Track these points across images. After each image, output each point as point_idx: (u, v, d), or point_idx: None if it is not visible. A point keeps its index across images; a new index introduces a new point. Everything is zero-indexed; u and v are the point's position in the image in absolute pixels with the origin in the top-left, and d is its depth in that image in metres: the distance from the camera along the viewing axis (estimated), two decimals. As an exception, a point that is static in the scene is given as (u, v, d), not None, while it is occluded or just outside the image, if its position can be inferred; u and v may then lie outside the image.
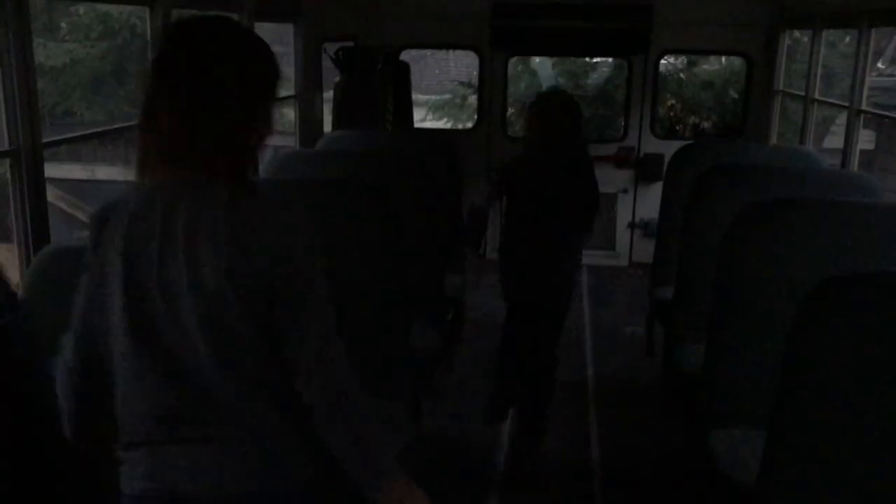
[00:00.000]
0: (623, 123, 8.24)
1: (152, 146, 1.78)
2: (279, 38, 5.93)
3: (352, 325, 2.75)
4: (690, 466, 3.97)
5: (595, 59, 10.44)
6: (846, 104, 5.69)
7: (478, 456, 4.63)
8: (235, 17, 4.90)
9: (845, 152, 5.66)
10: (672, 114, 9.81)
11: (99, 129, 7.27)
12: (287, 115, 6.71)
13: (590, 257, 7.91)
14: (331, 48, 6.49)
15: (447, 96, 13.46)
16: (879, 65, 13.64)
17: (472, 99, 11.16)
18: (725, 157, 5.13)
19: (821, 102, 6.49)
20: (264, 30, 5.25)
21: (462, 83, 12.60)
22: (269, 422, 1.84)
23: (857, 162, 5.67)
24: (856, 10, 5.46)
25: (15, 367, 2.59)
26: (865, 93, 5.63)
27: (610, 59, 10.06)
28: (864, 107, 5.60)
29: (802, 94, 6.67)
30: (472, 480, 4.37)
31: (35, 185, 2.99)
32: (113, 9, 11.82)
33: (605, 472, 4.54)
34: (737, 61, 8.49)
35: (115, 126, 4.88)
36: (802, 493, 2.41)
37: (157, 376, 1.79)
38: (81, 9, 12.53)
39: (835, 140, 6.60)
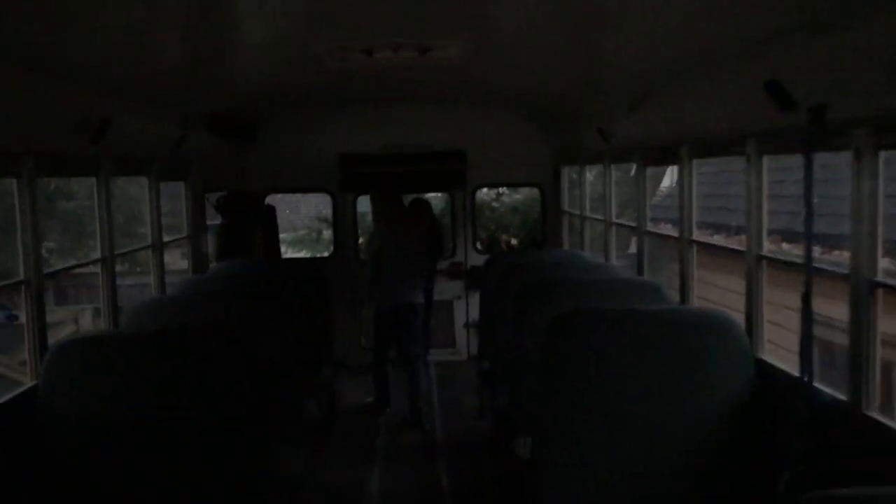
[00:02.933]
0: (452, 244, 10.20)
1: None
2: (174, 192, 7.45)
3: (262, 389, 4.26)
4: (503, 464, 5.63)
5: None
6: (602, 218, 7.86)
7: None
8: (145, 179, 6.45)
9: (605, 251, 7.77)
10: (490, 233, 12.00)
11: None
12: (175, 254, 8.15)
13: (435, 354, 9.64)
14: (212, 197, 8.06)
15: (303, 231, 15.17)
16: (665, 182, 16.60)
17: (327, 232, 12.90)
18: (523, 261, 7.09)
19: (591, 219, 8.67)
20: (165, 187, 6.80)
21: (318, 219, 14.35)
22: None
23: (614, 256, 7.75)
24: (601, 153, 7.72)
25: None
26: (614, 209, 7.76)
27: (438, 194, 12.24)
28: (613, 219, 7.75)
29: (578, 213, 8.88)
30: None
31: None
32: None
33: (451, 491, 6.09)
34: (535, 190, 10.74)
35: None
36: (555, 458, 4.11)
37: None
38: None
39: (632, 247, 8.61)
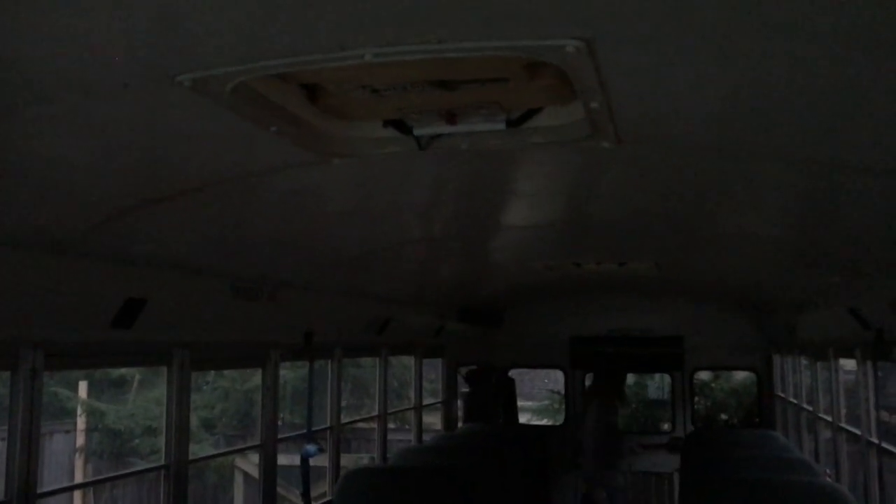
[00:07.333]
0: (672, 418, 11.26)
1: None
2: (433, 367, 9.66)
3: None
4: None
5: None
6: (825, 417, 8.22)
7: None
8: (412, 358, 8.69)
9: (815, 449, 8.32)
10: (707, 412, 12.83)
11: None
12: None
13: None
14: (462, 370, 10.16)
15: (546, 402, 16.95)
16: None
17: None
18: (721, 438, 8.15)
19: (795, 405, 9.34)
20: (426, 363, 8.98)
21: (556, 392, 16.04)
22: None
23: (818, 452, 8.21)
24: (793, 346, 8.67)
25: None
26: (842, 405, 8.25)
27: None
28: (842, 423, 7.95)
29: (795, 401, 9.54)
30: None
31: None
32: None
33: None
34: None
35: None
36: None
37: None
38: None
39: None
